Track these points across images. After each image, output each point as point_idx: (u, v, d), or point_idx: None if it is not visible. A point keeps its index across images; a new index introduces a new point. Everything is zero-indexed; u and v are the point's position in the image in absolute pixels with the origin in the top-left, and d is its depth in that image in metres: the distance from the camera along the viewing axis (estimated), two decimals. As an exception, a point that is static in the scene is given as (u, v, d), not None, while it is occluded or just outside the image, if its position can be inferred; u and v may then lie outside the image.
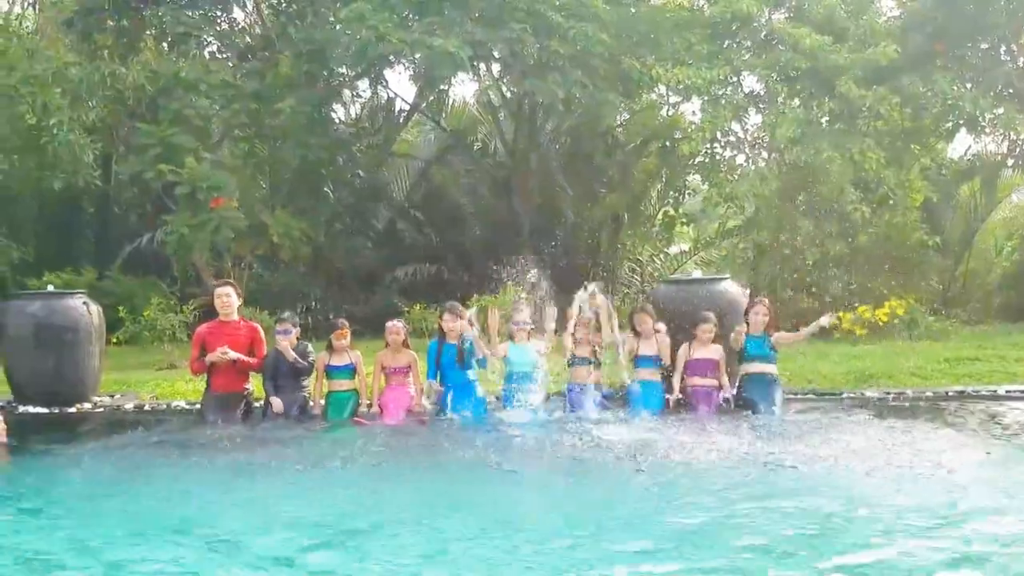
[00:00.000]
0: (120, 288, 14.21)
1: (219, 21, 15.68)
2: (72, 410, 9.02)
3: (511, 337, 8.48)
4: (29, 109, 12.22)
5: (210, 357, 8.03)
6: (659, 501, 5.30)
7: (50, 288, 10.36)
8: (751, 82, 14.71)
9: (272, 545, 4.54)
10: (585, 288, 8.35)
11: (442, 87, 16.76)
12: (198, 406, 8.49)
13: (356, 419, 8.10)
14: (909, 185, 13.95)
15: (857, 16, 14.26)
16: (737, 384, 8.26)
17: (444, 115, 18.57)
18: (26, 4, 16.47)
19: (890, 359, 10.42)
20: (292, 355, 8.08)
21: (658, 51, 13.94)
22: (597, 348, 8.42)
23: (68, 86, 12.50)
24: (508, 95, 16.87)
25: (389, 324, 8.48)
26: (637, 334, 8.40)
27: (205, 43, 15.55)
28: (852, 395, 8.85)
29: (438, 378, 8.32)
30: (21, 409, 9.00)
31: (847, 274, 15.17)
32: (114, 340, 11.96)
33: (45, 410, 8.96)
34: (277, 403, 8.10)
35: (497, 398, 8.41)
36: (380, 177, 17.98)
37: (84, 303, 9.53)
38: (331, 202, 16.99)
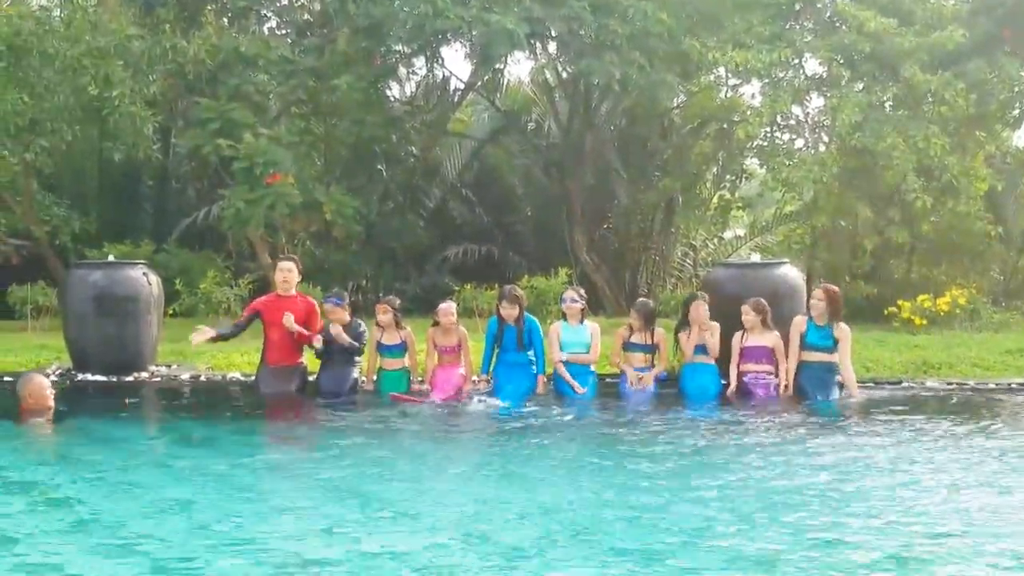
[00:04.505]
0: (176, 261, 14.38)
1: (279, -3, 15.76)
2: (130, 379, 9.16)
3: (563, 316, 8.47)
4: (92, 81, 12.40)
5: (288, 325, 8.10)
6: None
7: (110, 258, 10.53)
8: (813, 65, 14.42)
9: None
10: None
11: (497, 66, 16.64)
12: (253, 378, 8.61)
13: (395, 396, 8.09)
14: (973, 173, 13.61)
15: (924, -1, 13.91)
16: (795, 371, 8.11)
17: (499, 95, 18.46)
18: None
19: (950, 349, 10.20)
20: (346, 340, 8.09)
21: (718, 31, 13.71)
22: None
23: (130, 59, 12.65)
24: (564, 75, 16.73)
25: (441, 306, 8.47)
26: (689, 324, 8.32)
27: (265, 19, 15.64)
28: (912, 384, 8.68)
29: (495, 356, 8.33)
30: (80, 377, 9.17)
31: (907, 262, 14.89)
32: (170, 312, 12.12)
33: (103, 378, 9.10)
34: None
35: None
36: (433, 156, 17.97)
37: (144, 273, 9.66)
38: (384, 180, 17.03)
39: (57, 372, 9.19)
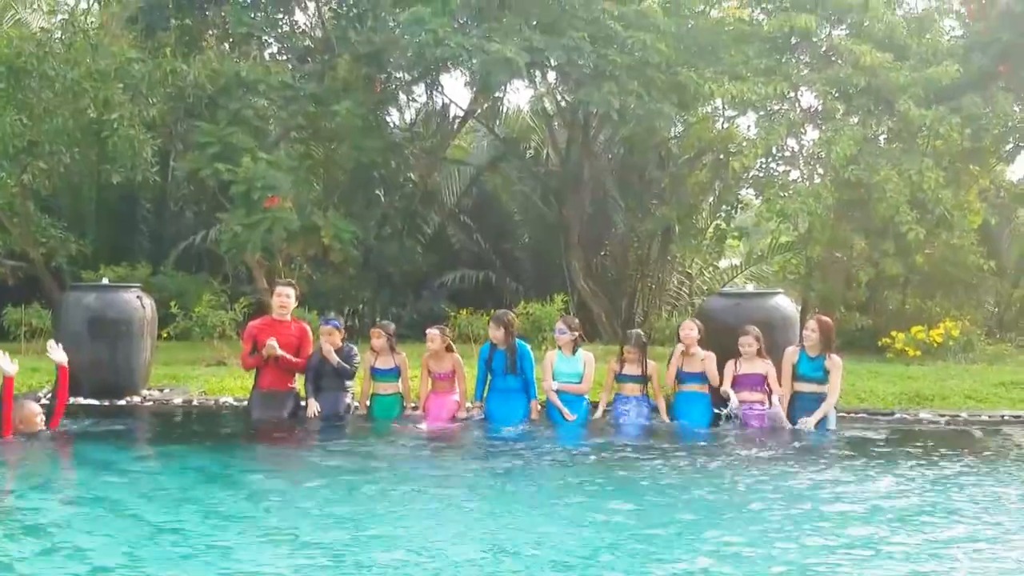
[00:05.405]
0: (173, 284, 14.37)
1: (281, 23, 15.85)
2: (122, 402, 9.13)
3: (559, 347, 8.49)
4: (91, 103, 12.45)
5: (264, 352, 8.10)
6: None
7: (105, 281, 10.53)
8: (808, 98, 14.54)
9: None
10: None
11: (497, 94, 16.76)
12: (245, 403, 8.60)
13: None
14: (967, 207, 13.68)
15: (919, 34, 14.03)
16: (787, 402, 8.10)
17: (498, 122, 18.58)
18: (91, 0, 16.78)
19: (944, 381, 10.22)
20: (335, 359, 8.12)
21: (715, 64, 13.83)
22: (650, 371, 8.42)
23: (130, 82, 12.69)
24: (563, 104, 16.83)
25: (428, 331, 8.49)
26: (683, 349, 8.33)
27: (266, 44, 15.73)
28: (907, 415, 8.68)
29: (488, 382, 8.34)
30: (72, 400, 9.10)
31: (902, 294, 14.92)
32: (165, 335, 12.11)
33: (96, 402, 9.06)
34: (313, 406, 8.13)
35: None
36: (432, 182, 18.04)
37: (138, 297, 9.65)
38: (382, 205, 17.08)
39: (48, 396, 9.14)
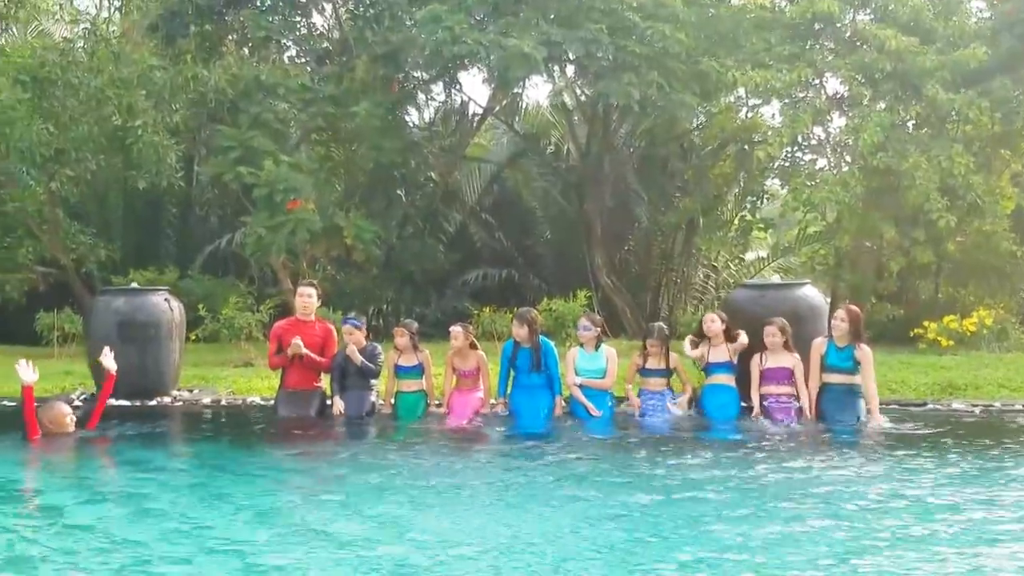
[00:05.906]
0: (200, 287, 14.50)
1: (299, 26, 15.92)
2: (153, 403, 9.22)
3: (581, 344, 8.44)
4: (115, 111, 12.58)
5: (289, 351, 8.16)
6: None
7: (134, 285, 10.64)
8: (834, 84, 14.36)
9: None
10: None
11: (516, 90, 16.72)
12: (272, 402, 8.65)
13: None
14: (999, 192, 13.45)
15: (945, 17, 13.82)
16: (816, 394, 7.99)
17: (517, 118, 18.54)
18: (113, 9, 16.95)
19: (977, 370, 10.05)
20: (359, 358, 8.14)
21: (737, 52, 13.69)
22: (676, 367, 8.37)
23: (152, 89, 12.82)
24: (582, 98, 16.75)
25: (451, 329, 8.48)
26: (705, 338, 8.24)
27: (284, 48, 15.81)
28: (939, 406, 8.54)
29: (512, 379, 8.31)
30: (105, 402, 9.22)
31: (934, 283, 14.71)
32: (193, 337, 12.21)
33: (127, 403, 9.15)
34: (339, 405, 8.16)
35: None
36: (452, 180, 18.04)
37: (166, 300, 9.74)
38: (403, 205, 17.12)
39: (81, 397, 9.25)
